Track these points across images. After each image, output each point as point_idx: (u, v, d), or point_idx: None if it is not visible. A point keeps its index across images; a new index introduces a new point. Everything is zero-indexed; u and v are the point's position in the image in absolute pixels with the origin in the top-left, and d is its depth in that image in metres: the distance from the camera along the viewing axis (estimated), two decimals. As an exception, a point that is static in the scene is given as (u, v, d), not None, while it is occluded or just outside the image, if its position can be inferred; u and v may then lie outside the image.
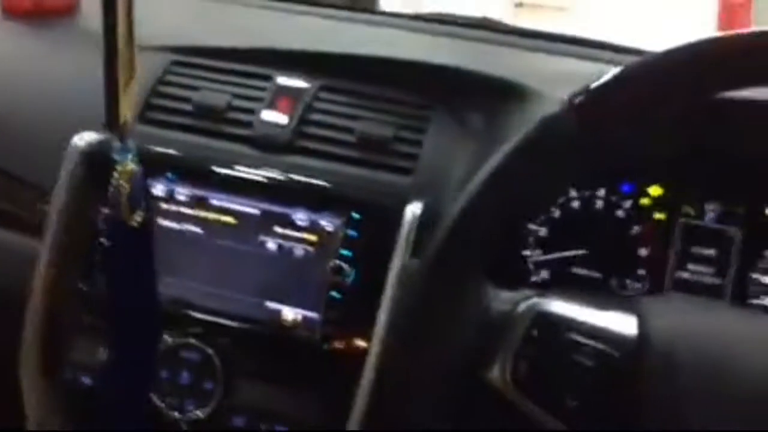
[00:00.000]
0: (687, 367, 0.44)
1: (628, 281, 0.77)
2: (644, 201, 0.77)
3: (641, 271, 0.77)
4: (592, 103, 0.46)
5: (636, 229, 0.77)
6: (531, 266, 0.79)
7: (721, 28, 2.51)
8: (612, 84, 0.46)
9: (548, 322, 0.48)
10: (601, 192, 0.78)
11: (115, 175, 0.54)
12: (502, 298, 0.49)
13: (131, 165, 0.55)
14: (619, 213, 0.78)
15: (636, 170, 0.77)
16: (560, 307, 0.48)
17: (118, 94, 0.52)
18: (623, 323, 0.47)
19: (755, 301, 0.73)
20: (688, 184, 0.76)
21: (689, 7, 2.83)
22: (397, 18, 1.04)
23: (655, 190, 0.77)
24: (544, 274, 0.79)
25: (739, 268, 0.74)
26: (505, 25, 1.05)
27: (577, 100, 0.47)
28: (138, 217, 0.55)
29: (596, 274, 0.78)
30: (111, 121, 0.53)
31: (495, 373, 0.47)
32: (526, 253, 0.79)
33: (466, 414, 0.49)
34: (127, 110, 0.53)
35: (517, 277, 0.77)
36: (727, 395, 0.43)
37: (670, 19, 2.68)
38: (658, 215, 0.77)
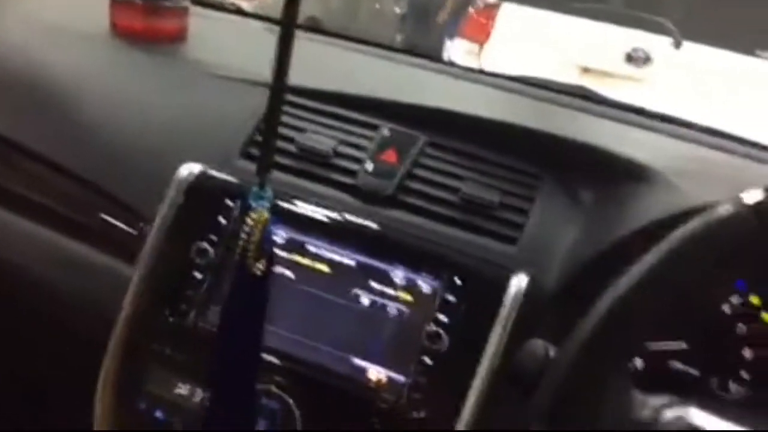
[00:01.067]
0: None
1: (729, 383, 0.73)
2: (755, 300, 0.74)
3: (744, 374, 0.73)
4: None
5: (743, 328, 0.74)
6: (627, 354, 0.76)
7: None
8: None
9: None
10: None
11: (249, 221, 0.53)
12: (645, 403, 0.46)
13: (266, 213, 0.53)
14: (726, 309, 0.74)
15: (749, 266, 0.74)
16: (712, 422, 0.45)
17: (275, 137, 0.51)
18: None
19: None
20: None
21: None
22: (497, 78, 1.03)
23: (766, 289, 0.73)
24: (639, 363, 0.76)
25: None
26: (605, 97, 1.04)
27: (755, 201, 0.44)
28: (261, 266, 0.54)
29: (694, 371, 0.74)
30: (263, 165, 0.51)
31: None
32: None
33: None
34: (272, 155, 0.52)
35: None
36: None
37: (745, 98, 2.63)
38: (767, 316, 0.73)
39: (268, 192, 0.54)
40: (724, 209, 0.45)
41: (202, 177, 0.76)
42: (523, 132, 0.81)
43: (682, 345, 0.75)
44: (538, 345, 0.53)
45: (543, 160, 0.79)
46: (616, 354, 0.45)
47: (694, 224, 0.45)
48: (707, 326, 0.74)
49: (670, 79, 2.80)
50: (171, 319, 0.73)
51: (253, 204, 0.53)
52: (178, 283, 0.74)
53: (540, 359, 0.51)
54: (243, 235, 0.53)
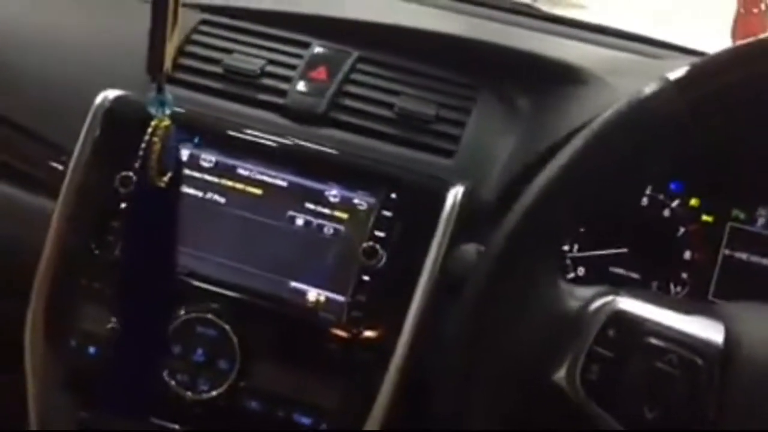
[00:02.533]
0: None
1: (670, 285, 0.73)
2: (693, 202, 0.74)
3: (684, 275, 0.73)
4: (698, 81, 0.42)
5: (682, 230, 0.73)
6: (568, 262, 0.75)
7: (738, 31, 2.47)
8: (719, 62, 0.42)
9: (626, 323, 0.44)
10: (648, 189, 0.75)
11: (149, 130, 0.49)
12: (574, 294, 0.45)
13: (167, 120, 0.50)
14: (666, 212, 0.74)
15: (686, 168, 0.73)
16: (640, 307, 0.44)
17: (165, 38, 0.47)
18: (708, 329, 0.43)
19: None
20: (740, 186, 0.73)
21: (703, 10, 2.79)
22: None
23: (704, 191, 0.73)
24: (581, 271, 0.75)
25: None
26: (546, 13, 1.01)
27: (679, 77, 0.42)
28: (166, 179, 0.50)
29: (635, 275, 0.74)
30: (153, 67, 0.48)
31: (562, 374, 0.43)
32: (564, 248, 0.76)
33: (523, 418, 0.45)
34: (169, 60, 0.48)
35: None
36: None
37: (684, 20, 2.63)
38: (706, 217, 0.73)
39: (168, 97, 0.50)
40: (649, 88, 0.43)
41: (120, 103, 0.72)
42: (458, 43, 0.79)
43: (623, 250, 0.74)
44: (469, 248, 0.52)
45: (478, 70, 0.77)
46: (541, 245, 0.43)
47: (617, 106, 0.44)
48: (648, 230, 0.74)
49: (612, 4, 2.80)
50: (97, 252, 0.70)
51: (152, 111, 0.50)
52: (103, 215, 0.70)
53: (470, 261, 0.50)
54: (143, 145, 0.49)
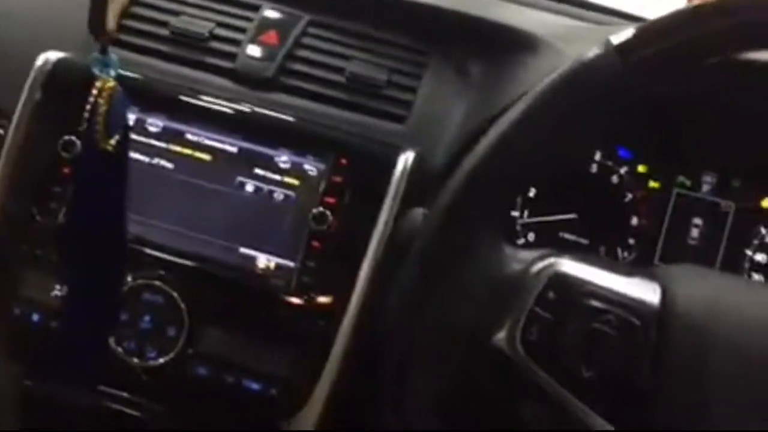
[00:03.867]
0: (714, 339, 0.41)
1: (617, 250, 0.74)
2: (641, 168, 0.75)
3: (631, 240, 0.74)
4: (638, 45, 0.42)
5: (629, 196, 0.74)
6: (519, 228, 0.76)
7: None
8: (660, 26, 0.42)
9: (566, 285, 0.44)
10: (597, 155, 0.75)
11: (93, 91, 0.48)
12: (517, 257, 0.46)
13: (112, 82, 0.48)
14: (614, 179, 0.75)
15: (634, 135, 0.74)
16: (579, 269, 0.45)
17: None
18: (646, 291, 0.44)
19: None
20: (685, 153, 0.74)
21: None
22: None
23: (651, 158, 0.74)
24: (531, 236, 0.76)
25: (732, 243, 0.72)
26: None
27: (620, 41, 0.42)
28: (113, 142, 0.49)
29: (584, 241, 0.75)
30: (95, 27, 0.46)
31: (503, 335, 0.44)
32: (514, 214, 0.76)
33: (465, 380, 0.46)
34: (113, 19, 0.47)
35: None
36: (755, 370, 0.40)
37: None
38: (653, 184, 0.74)
39: (112, 57, 0.49)
40: (591, 51, 0.43)
41: (62, 65, 0.70)
42: (410, 8, 0.78)
43: (572, 216, 0.75)
44: (416, 212, 0.52)
45: (430, 36, 0.76)
46: (484, 208, 0.43)
47: (560, 69, 0.44)
48: (596, 196, 0.75)
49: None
50: (39, 219, 0.68)
51: (96, 72, 0.48)
52: (45, 181, 0.69)
53: (417, 225, 0.50)
54: (89, 107, 0.48)
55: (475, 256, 0.44)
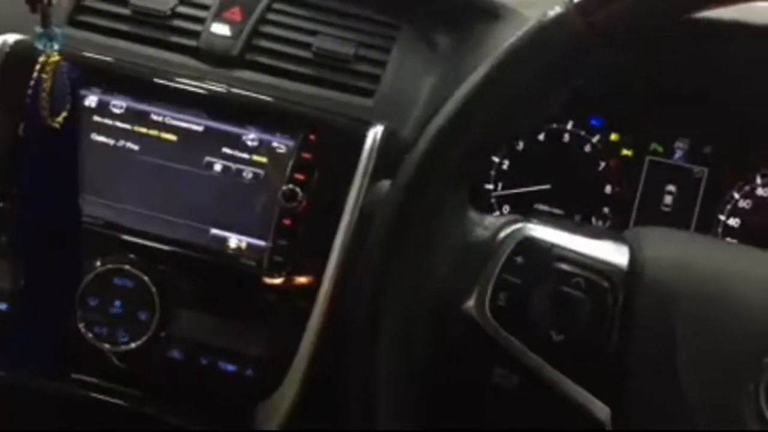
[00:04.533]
0: (682, 298, 0.41)
1: (591, 219, 0.74)
2: (613, 137, 0.74)
3: (605, 209, 0.74)
4: (598, 3, 0.41)
5: (603, 165, 0.74)
6: (493, 201, 0.75)
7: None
8: None
9: (534, 249, 0.44)
10: (569, 125, 0.75)
11: (36, 67, 0.46)
12: (484, 223, 0.45)
13: (55, 56, 0.47)
14: (587, 148, 0.75)
15: (606, 104, 0.73)
16: (547, 233, 0.44)
17: None
18: (614, 253, 0.43)
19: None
20: (657, 120, 0.73)
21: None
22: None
23: (623, 126, 0.74)
24: (506, 209, 0.76)
25: (705, 209, 0.72)
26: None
27: (581, 1, 0.42)
28: (60, 119, 0.47)
29: (559, 211, 0.75)
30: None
31: (471, 302, 0.43)
32: (489, 187, 0.76)
33: (436, 348, 0.45)
34: None
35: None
36: (724, 331, 0.40)
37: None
38: (626, 152, 0.74)
39: (55, 31, 0.47)
40: (552, 11, 0.42)
41: (20, 47, 0.68)
42: (376, -20, 0.76)
43: (546, 186, 0.75)
44: (383, 184, 0.51)
45: (398, 8, 0.75)
46: (449, 173, 0.42)
47: (521, 31, 0.43)
48: (569, 166, 0.75)
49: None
50: (1, 204, 0.67)
51: (39, 46, 0.47)
52: (6, 166, 0.67)
53: (383, 197, 0.49)
54: (32, 82, 0.46)
55: (442, 222, 0.43)
